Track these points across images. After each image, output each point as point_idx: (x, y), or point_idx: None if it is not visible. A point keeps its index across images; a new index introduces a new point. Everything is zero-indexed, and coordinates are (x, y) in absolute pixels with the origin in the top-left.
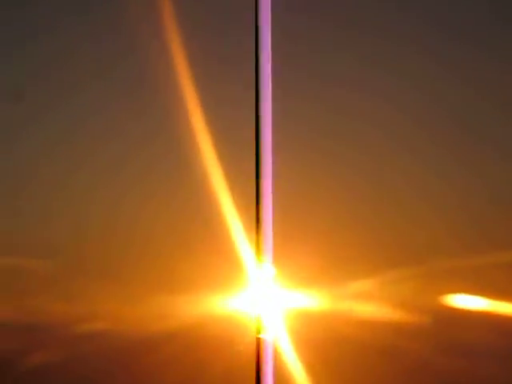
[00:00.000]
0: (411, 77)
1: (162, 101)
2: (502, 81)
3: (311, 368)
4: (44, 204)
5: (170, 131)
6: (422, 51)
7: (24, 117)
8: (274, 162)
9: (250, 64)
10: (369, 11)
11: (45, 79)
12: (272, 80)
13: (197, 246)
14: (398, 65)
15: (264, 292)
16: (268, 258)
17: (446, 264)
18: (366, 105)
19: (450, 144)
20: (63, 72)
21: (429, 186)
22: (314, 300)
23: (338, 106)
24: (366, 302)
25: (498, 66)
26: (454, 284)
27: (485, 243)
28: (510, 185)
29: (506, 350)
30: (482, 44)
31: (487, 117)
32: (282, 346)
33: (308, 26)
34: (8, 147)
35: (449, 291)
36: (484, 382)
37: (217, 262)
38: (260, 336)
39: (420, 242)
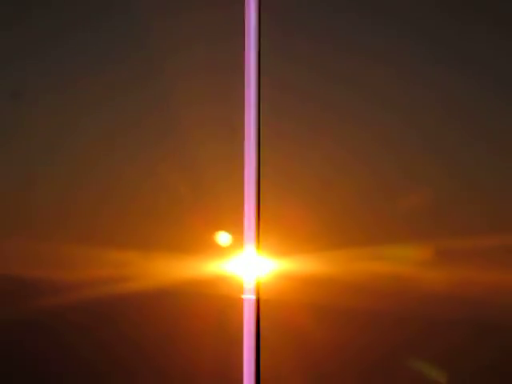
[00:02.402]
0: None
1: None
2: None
3: (294, 329)
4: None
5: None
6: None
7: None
8: (259, 142)
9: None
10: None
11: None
12: (261, 79)
13: (188, 215)
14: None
15: (250, 256)
16: (254, 226)
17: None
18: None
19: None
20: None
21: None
22: (296, 265)
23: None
24: (347, 270)
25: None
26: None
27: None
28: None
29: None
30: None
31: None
32: (265, 306)
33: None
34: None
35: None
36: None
37: (207, 228)
38: (245, 296)
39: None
